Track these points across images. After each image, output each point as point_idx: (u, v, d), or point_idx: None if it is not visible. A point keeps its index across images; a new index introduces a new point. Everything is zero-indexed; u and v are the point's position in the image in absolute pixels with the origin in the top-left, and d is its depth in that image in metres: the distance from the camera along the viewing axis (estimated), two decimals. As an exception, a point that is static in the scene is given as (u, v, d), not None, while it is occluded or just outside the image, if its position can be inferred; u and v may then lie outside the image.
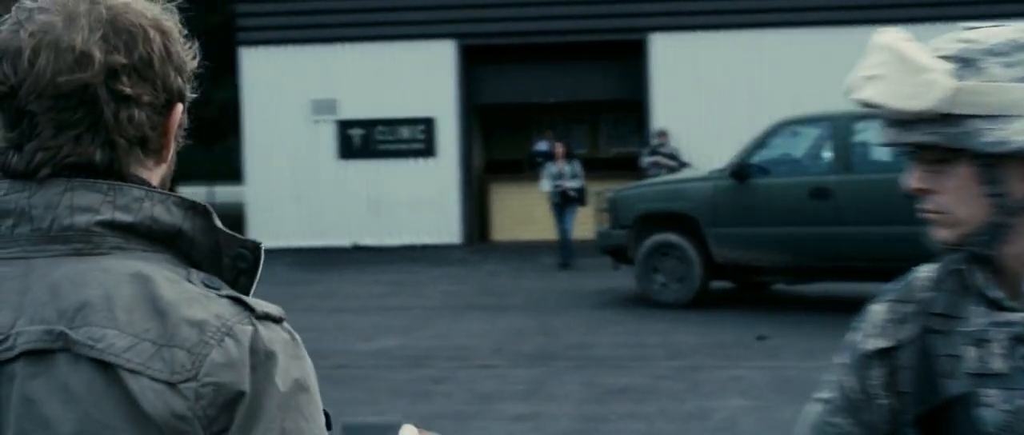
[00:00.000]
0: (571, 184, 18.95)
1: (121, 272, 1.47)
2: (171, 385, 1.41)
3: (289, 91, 22.71)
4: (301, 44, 22.66)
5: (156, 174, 1.59)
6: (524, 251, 20.96)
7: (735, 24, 21.95)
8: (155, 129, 1.56)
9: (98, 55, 1.49)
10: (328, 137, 22.77)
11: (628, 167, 23.94)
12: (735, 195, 14.05)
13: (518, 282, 17.26)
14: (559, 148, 19.37)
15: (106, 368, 1.41)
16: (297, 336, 1.53)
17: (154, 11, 1.56)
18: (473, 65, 22.73)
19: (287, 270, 19.28)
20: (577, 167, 19.27)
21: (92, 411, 1.40)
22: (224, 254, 1.56)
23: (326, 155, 22.78)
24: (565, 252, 18.90)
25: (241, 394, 1.44)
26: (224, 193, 32.95)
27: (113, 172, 1.52)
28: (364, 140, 22.65)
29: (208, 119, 26.56)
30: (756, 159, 14.13)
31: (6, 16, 1.54)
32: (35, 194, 1.49)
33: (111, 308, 1.44)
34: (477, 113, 23.81)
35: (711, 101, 21.95)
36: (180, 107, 1.59)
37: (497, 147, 25.27)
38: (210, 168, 33.20)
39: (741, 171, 14.01)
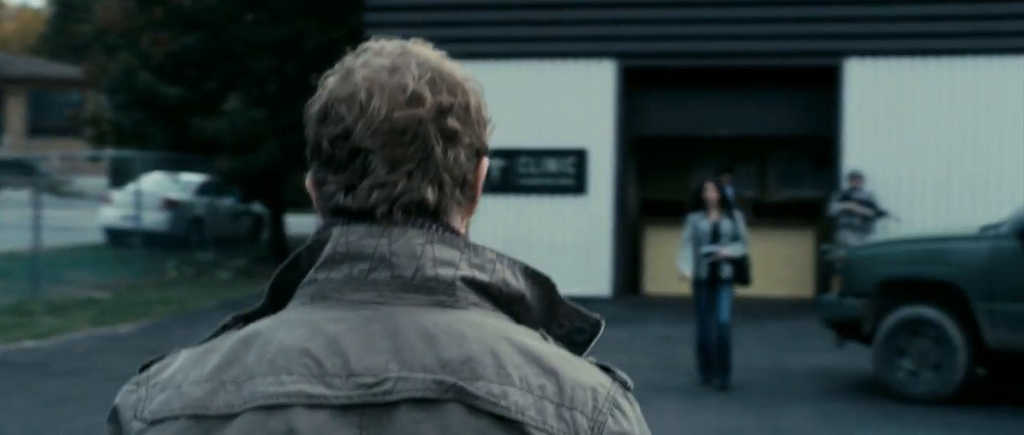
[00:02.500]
0: (730, 251, 11.92)
1: (493, 328, 1.49)
2: None
3: (420, 113, 19.72)
4: (436, 60, 19.66)
5: (464, 227, 1.61)
6: (686, 309, 17.72)
7: (947, 50, 18.59)
8: (472, 174, 1.59)
9: (428, 95, 1.53)
10: (462, 167, 19.71)
11: (800, 215, 20.74)
12: (1021, 260, 10.75)
13: (702, 353, 14.00)
14: (712, 191, 12.16)
15: (507, 424, 1.42)
16: None
17: (464, 69, 1.61)
18: (634, 90, 19.58)
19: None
20: (739, 223, 12.12)
21: None
22: (558, 325, 1.58)
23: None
24: (719, 358, 11.90)
25: None
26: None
27: (440, 213, 1.55)
28: (504, 173, 19.52)
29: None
30: (1051, 215, 10.82)
31: (330, 70, 1.60)
32: (396, 242, 1.52)
33: (500, 364, 1.45)
34: (634, 145, 20.64)
35: (915, 139, 18.58)
36: (487, 161, 1.62)
37: (653, 185, 22.10)
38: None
39: (1029, 230, 10.71)
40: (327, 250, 1.53)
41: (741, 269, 12.02)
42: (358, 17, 21.44)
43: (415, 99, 1.52)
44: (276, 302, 1.58)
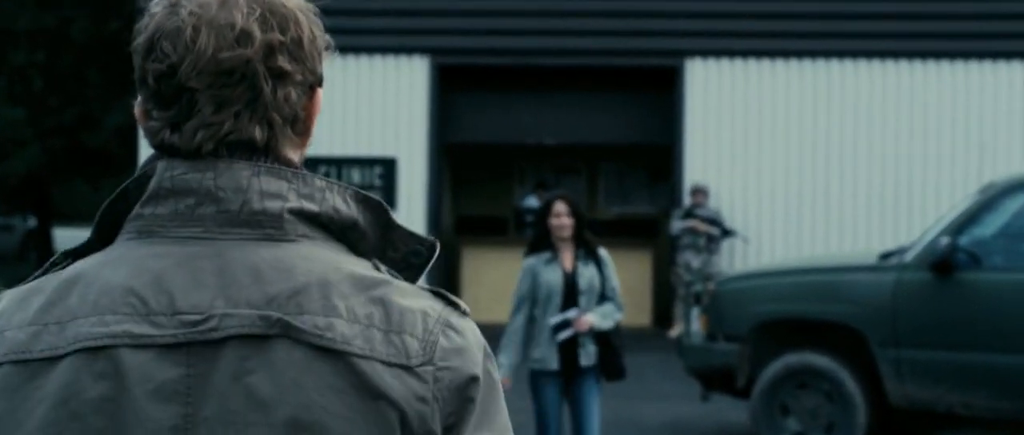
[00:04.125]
0: (596, 321, 7.16)
1: (321, 260, 1.47)
2: (408, 369, 1.42)
3: (203, 114, 17.16)
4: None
5: (297, 158, 1.56)
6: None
7: (797, 51, 16.78)
8: (304, 110, 1.55)
9: (257, 33, 1.48)
10: (253, 177, 17.20)
11: (635, 234, 18.72)
12: (932, 297, 8.76)
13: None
14: (564, 215, 7.27)
15: (333, 355, 1.41)
16: None
17: None
18: (449, 91, 17.30)
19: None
20: (609, 270, 7.35)
21: (317, 397, 1.39)
22: (394, 249, 1.56)
23: (249, 201, 17.22)
24: None
25: (474, 379, 1.46)
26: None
27: (269, 151, 1.51)
28: (301, 183, 17.11)
29: (98, 149, 21.14)
30: (967, 241, 8.82)
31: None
32: (221, 175, 1.48)
33: (327, 296, 1.43)
34: (448, 154, 18.37)
35: (763, 150, 16.74)
36: (321, 92, 1.58)
37: (470, 199, 19.86)
38: (97, 207, 27.26)
39: (944, 259, 8.70)
40: (152, 184, 1.50)
41: (610, 351, 7.25)
42: (134, 5, 18.74)
43: (244, 38, 1.48)
44: (104, 237, 1.54)
